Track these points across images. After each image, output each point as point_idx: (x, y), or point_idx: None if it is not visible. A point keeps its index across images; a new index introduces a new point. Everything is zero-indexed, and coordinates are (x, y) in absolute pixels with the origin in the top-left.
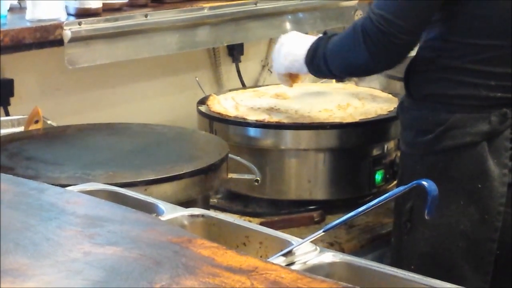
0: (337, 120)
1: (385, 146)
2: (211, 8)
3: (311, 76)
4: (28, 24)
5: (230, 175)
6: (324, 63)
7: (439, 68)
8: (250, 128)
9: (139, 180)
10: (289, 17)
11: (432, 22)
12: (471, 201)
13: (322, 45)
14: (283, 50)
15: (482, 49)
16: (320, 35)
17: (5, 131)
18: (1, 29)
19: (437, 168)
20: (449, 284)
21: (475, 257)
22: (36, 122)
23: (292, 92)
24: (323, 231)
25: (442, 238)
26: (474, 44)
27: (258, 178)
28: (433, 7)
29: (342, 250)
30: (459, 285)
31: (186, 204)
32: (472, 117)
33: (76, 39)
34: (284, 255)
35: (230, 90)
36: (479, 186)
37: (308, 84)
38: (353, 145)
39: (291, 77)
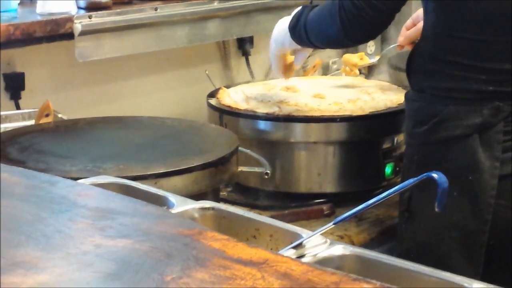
0: (347, 113)
1: (395, 139)
2: (221, 1)
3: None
4: (39, 18)
5: (240, 168)
6: (304, 31)
7: (433, 60)
8: (260, 121)
9: (149, 173)
10: None
11: (427, 12)
12: (463, 192)
13: (305, 13)
14: (275, 28)
15: (470, 43)
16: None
17: (16, 124)
18: (12, 23)
19: (432, 159)
20: (459, 276)
21: (467, 248)
22: (47, 115)
23: (302, 85)
24: (333, 224)
25: (436, 228)
26: (462, 38)
27: (268, 171)
28: None
29: (352, 243)
30: None
31: (196, 197)
32: (465, 110)
33: (87, 32)
34: (294, 247)
35: (240, 83)
36: (470, 178)
37: (318, 77)
38: (363, 138)
39: (284, 64)
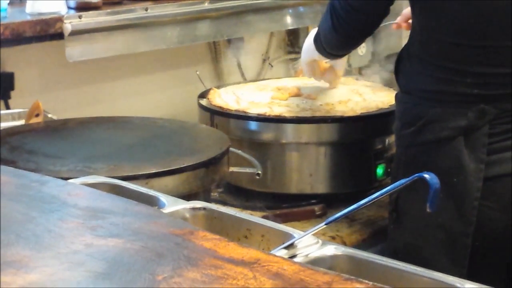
0: (338, 114)
1: (386, 140)
2: (211, 1)
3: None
4: (29, 18)
5: (231, 169)
6: (319, 41)
7: (419, 62)
8: (251, 122)
9: (140, 173)
10: (290, 11)
11: (414, 15)
12: (449, 194)
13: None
14: (307, 38)
15: (455, 47)
16: None
17: (5, 124)
18: (1, 22)
19: (418, 161)
20: (451, 276)
21: (452, 250)
22: (37, 115)
23: (293, 86)
24: (325, 224)
25: (423, 230)
26: (447, 42)
27: (259, 172)
28: None
29: (343, 244)
30: None
31: (187, 197)
32: (450, 112)
33: (77, 32)
34: (286, 248)
35: (231, 84)
36: (455, 180)
37: (309, 78)
38: (354, 139)
39: (317, 69)
